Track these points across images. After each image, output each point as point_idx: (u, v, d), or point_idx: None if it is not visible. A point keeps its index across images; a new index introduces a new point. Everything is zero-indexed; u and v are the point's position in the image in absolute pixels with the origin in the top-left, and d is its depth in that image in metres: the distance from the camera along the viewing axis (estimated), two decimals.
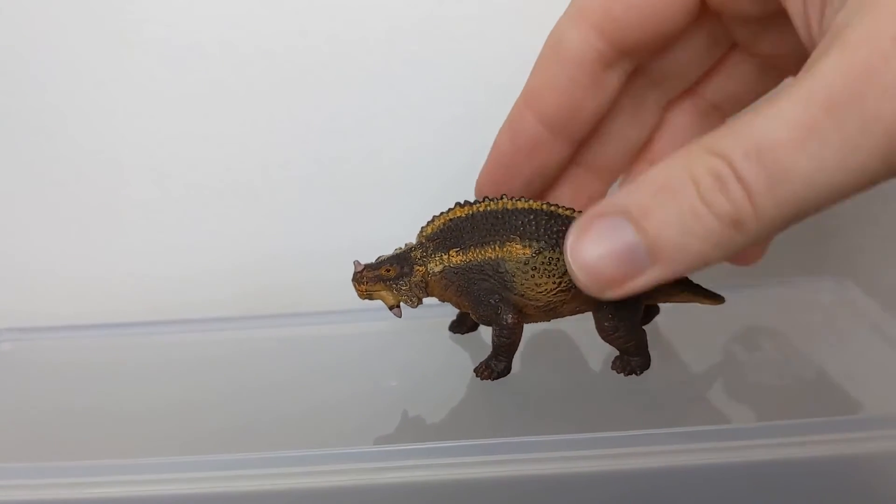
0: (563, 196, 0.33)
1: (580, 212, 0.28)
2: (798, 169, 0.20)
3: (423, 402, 0.30)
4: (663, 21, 0.28)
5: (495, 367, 0.29)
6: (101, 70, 0.39)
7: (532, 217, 0.28)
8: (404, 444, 0.27)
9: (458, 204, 0.29)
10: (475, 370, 0.30)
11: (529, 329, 0.30)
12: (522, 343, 0.30)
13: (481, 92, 0.40)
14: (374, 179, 0.42)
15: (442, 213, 0.29)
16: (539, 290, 0.28)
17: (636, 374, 0.30)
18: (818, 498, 0.27)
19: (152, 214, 0.42)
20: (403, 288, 0.29)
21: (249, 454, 0.26)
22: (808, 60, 0.21)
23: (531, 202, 0.28)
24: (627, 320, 0.28)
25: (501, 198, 0.29)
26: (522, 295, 0.28)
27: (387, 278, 0.29)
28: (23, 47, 0.39)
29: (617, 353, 0.30)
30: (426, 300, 0.30)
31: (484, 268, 0.28)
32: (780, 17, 0.25)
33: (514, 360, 0.30)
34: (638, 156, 0.33)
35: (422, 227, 0.30)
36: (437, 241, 0.29)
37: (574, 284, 0.25)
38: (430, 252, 0.29)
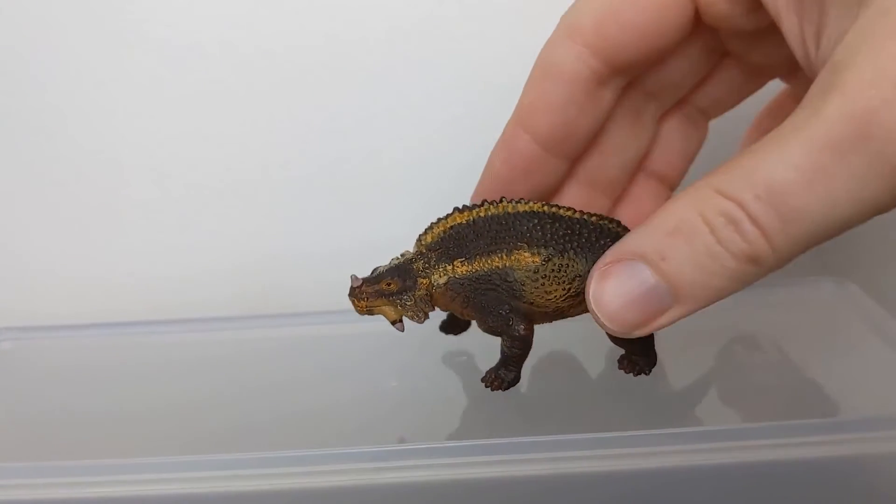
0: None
1: (581, 212, 0.28)
2: (809, 208, 0.21)
3: (423, 402, 0.30)
4: (658, 38, 0.28)
5: (505, 376, 0.28)
6: (101, 70, 0.39)
7: (536, 221, 0.27)
8: (404, 445, 0.27)
9: (456, 209, 0.28)
10: (483, 380, 0.28)
11: None
12: None
13: (481, 92, 0.40)
14: (374, 179, 0.42)
15: (440, 220, 0.28)
16: (548, 298, 0.27)
17: (645, 374, 0.29)
18: (818, 498, 0.27)
19: (152, 214, 0.42)
20: (408, 303, 0.27)
21: (249, 454, 0.26)
22: (810, 94, 0.21)
23: (531, 203, 0.28)
24: None
25: (501, 201, 0.28)
26: (532, 303, 0.27)
27: (388, 293, 0.27)
28: (23, 47, 0.39)
29: (622, 352, 0.30)
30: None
31: (491, 277, 0.27)
32: (773, 30, 0.25)
33: None
34: (637, 169, 0.33)
35: (420, 236, 0.28)
36: (439, 250, 0.27)
37: (580, 287, 0.26)
38: (432, 263, 0.27)
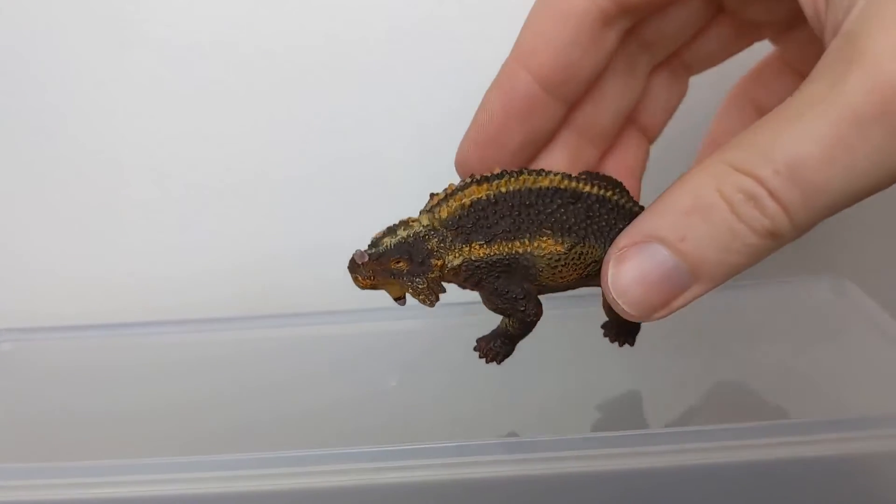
0: (556, 161, 0.31)
1: (598, 185, 0.27)
2: (830, 182, 0.21)
3: (423, 402, 0.30)
4: None
5: (501, 349, 0.27)
6: (101, 70, 0.39)
7: (560, 203, 0.25)
8: (404, 444, 0.27)
9: (474, 180, 0.25)
10: (477, 350, 0.27)
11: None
12: (522, 343, 0.30)
13: (482, 92, 0.40)
14: (374, 179, 0.42)
15: (457, 192, 0.25)
16: (562, 280, 0.26)
17: (630, 345, 0.29)
18: (818, 498, 0.27)
19: (152, 214, 0.42)
20: (420, 286, 0.25)
21: (249, 454, 0.26)
22: (824, 64, 0.21)
23: (552, 176, 0.25)
24: None
25: (521, 173, 0.25)
26: (544, 285, 0.26)
27: (397, 272, 0.25)
28: (23, 47, 0.39)
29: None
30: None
31: (509, 261, 0.25)
32: None
33: (515, 361, 0.30)
34: (626, 123, 0.32)
35: (431, 207, 0.25)
36: (456, 229, 0.25)
37: (594, 270, 0.26)
38: (448, 242, 0.25)
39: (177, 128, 0.40)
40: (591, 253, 0.26)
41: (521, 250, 0.25)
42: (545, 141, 0.30)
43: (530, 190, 0.25)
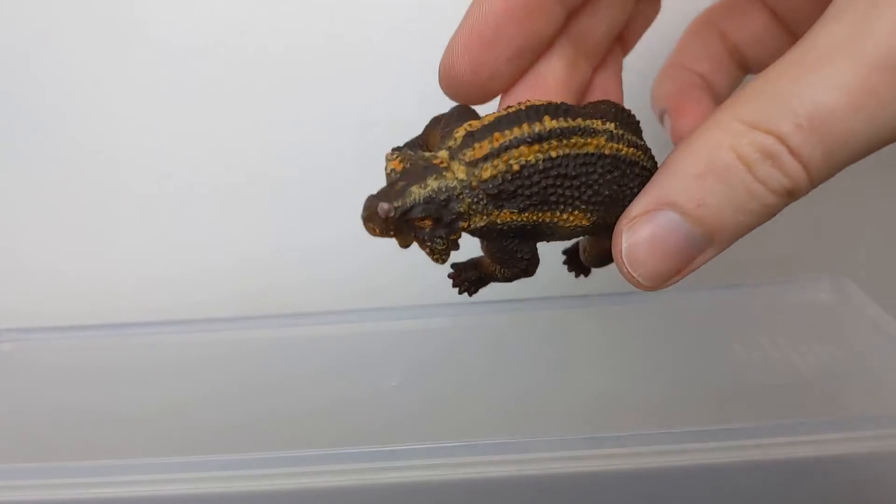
0: (554, 72, 0.28)
1: (633, 140, 0.24)
2: (854, 134, 0.19)
3: (423, 402, 0.30)
4: None
5: (476, 285, 0.25)
6: (101, 70, 0.39)
7: (600, 173, 0.23)
8: (404, 444, 0.27)
9: (524, 142, 0.22)
10: (451, 277, 0.25)
11: (530, 329, 0.30)
12: (522, 344, 0.30)
13: None
14: (374, 179, 0.42)
15: (505, 148, 0.22)
16: (572, 237, 0.25)
17: (584, 276, 0.28)
18: (818, 498, 0.27)
19: (152, 214, 0.42)
20: (438, 246, 0.22)
21: (249, 454, 0.26)
22: (841, 4, 0.20)
23: (598, 138, 0.23)
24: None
25: (571, 136, 0.22)
26: (547, 241, 0.25)
27: (418, 229, 0.22)
28: (23, 47, 0.39)
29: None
30: (426, 301, 0.30)
31: (532, 227, 0.23)
32: None
33: (513, 361, 0.30)
34: (614, 43, 0.30)
35: (473, 159, 0.22)
36: (495, 194, 0.22)
37: (607, 233, 0.24)
38: (481, 206, 0.22)
39: (176, 127, 0.40)
40: (611, 221, 0.24)
41: (548, 220, 0.23)
42: (541, 49, 0.27)
43: (577, 156, 0.22)
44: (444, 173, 0.22)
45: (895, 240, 0.44)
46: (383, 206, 0.21)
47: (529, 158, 0.22)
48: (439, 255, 0.23)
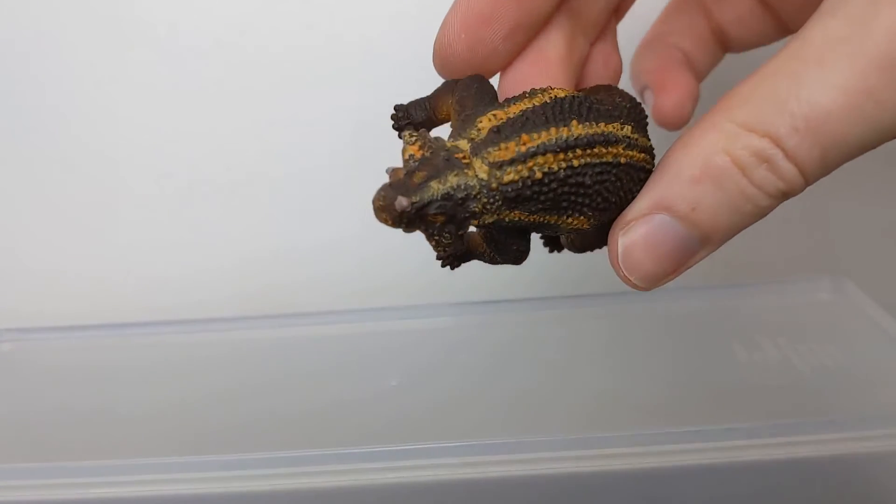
0: (553, 48, 0.28)
1: (646, 151, 0.24)
2: (851, 135, 0.19)
3: (423, 402, 0.30)
4: None
5: (461, 261, 0.25)
6: (102, 69, 0.39)
7: (612, 180, 0.22)
8: (404, 444, 0.27)
9: (550, 151, 0.21)
10: (436, 252, 0.23)
11: (530, 329, 0.30)
12: (522, 343, 0.30)
13: None
14: (375, 178, 0.42)
15: (531, 154, 0.21)
16: (559, 233, 0.25)
17: (556, 252, 0.28)
18: (818, 498, 0.27)
19: (152, 214, 0.42)
20: (446, 241, 0.21)
21: (249, 454, 0.26)
22: (829, 2, 0.20)
23: (618, 147, 0.22)
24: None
25: (595, 146, 0.22)
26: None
27: (432, 224, 0.21)
28: (23, 47, 0.39)
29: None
30: (426, 301, 0.30)
31: (536, 226, 0.23)
32: None
33: (513, 361, 0.30)
34: (609, 20, 0.30)
35: (496, 157, 0.21)
36: (512, 197, 0.21)
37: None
38: (496, 206, 0.21)
39: (176, 127, 0.40)
40: (606, 222, 0.24)
41: (553, 221, 0.23)
42: (538, 26, 0.27)
43: (596, 165, 0.22)
44: (465, 171, 0.21)
45: (895, 240, 0.44)
46: (402, 201, 0.20)
47: (553, 166, 0.21)
48: (443, 248, 0.22)
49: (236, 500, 0.26)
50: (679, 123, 0.30)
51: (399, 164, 0.22)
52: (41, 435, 0.30)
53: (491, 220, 0.22)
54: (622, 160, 0.23)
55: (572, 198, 0.22)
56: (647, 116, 0.25)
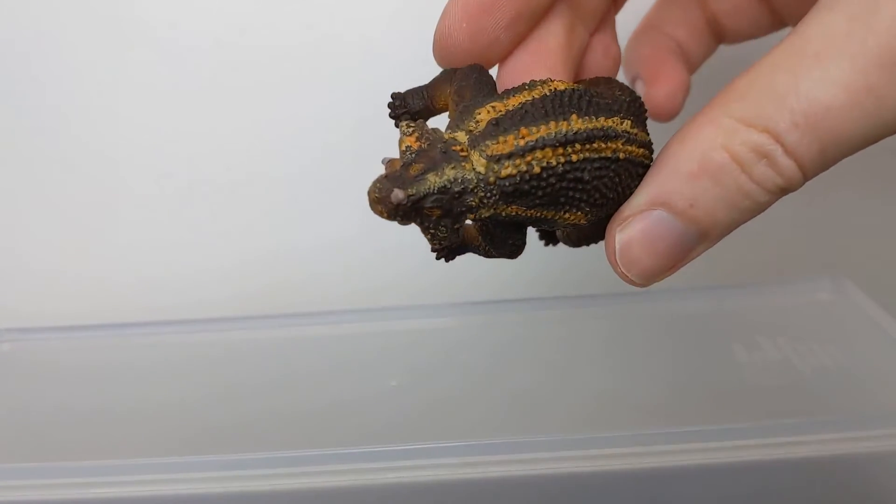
0: (554, 38, 0.27)
1: (645, 146, 0.24)
2: (852, 129, 0.19)
3: (423, 402, 0.30)
4: None
5: (455, 254, 0.24)
6: (102, 69, 0.39)
7: (611, 175, 0.22)
8: (404, 444, 0.27)
9: (549, 146, 0.21)
10: (431, 244, 0.23)
11: (530, 329, 0.30)
12: (522, 344, 0.30)
13: None
14: (374, 178, 0.42)
15: (529, 148, 0.21)
16: (555, 228, 0.24)
17: (552, 245, 0.28)
18: (818, 498, 0.27)
19: (152, 214, 0.42)
20: (441, 234, 0.21)
21: (249, 454, 0.26)
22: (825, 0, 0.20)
23: (618, 142, 0.22)
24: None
25: (594, 140, 0.21)
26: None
27: (428, 217, 0.21)
28: (23, 46, 0.39)
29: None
30: (426, 301, 0.29)
31: (532, 220, 0.23)
32: None
33: (513, 361, 0.30)
34: (608, 10, 0.30)
35: (489, 144, 0.21)
36: (510, 192, 0.21)
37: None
38: (493, 200, 0.21)
39: (176, 127, 0.40)
40: (603, 217, 0.23)
41: (550, 216, 0.22)
42: (539, 16, 0.27)
43: (595, 160, 0.22)
44: (462, 164, 0.21)
45: (895, 240, 0.44)
46: (398, 193, 0.20)
47: (552, 161, 0.21)
48: (438, 241, 0.22)
49: (236, 500, 0.26)
50: (670, 115, 0.30)
51: (396, 155, 0.22)
52: (41, 435, 0.30)
53: (487, 215, 0.21)
54: (621, 155, 0.22)
55: (570, 193, 0.22)
56: (646, 111, 0.25)
